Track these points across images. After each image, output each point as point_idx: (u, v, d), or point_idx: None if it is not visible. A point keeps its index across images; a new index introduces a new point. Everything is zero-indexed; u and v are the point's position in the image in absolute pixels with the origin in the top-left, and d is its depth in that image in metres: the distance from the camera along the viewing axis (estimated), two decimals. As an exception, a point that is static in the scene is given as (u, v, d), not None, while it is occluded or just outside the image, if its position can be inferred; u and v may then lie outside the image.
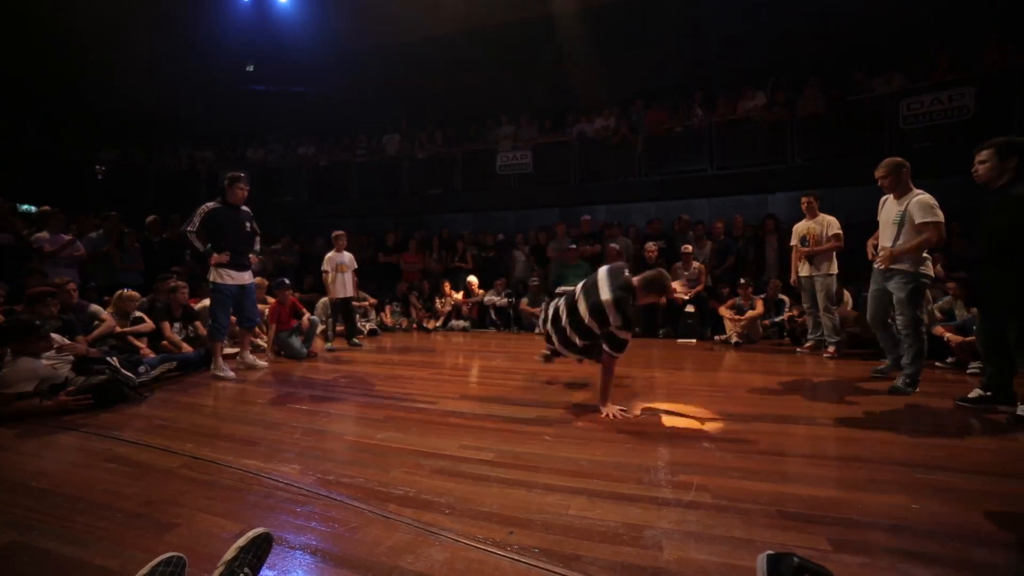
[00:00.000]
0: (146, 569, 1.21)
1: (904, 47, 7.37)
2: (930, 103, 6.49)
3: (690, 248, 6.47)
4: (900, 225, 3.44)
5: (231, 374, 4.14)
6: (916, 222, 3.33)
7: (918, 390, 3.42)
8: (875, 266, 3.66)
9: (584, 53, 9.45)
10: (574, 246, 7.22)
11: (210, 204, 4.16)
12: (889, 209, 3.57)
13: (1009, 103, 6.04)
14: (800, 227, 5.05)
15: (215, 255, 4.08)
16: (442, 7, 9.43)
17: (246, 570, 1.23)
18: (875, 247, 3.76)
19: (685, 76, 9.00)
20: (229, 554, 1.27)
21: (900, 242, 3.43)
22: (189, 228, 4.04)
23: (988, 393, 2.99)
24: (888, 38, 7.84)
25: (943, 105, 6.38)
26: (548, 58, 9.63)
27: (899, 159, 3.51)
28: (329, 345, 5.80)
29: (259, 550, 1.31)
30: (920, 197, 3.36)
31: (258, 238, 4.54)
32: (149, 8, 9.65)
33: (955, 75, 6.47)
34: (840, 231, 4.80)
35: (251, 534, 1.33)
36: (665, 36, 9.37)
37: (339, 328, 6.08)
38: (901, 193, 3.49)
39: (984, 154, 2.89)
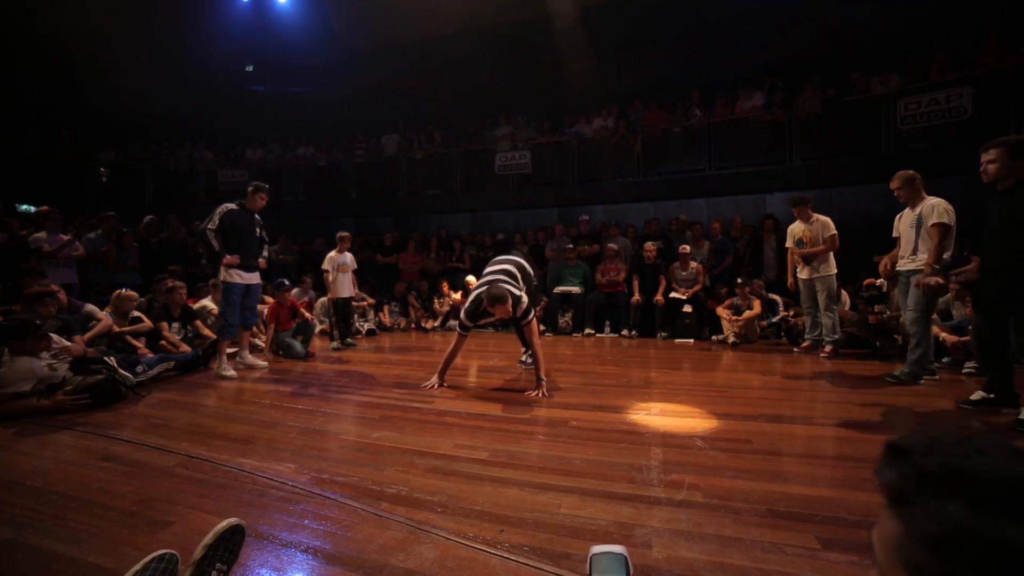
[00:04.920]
0: (139, 566, 1.21)
1: (901, 47, 7.37)
2: (927, 103, 6.49)
3: (688, 248, 6.48)
4: (917, 229, 3.61)
5: (234, 373, 4.17)
6: (928, 223, 3.48)
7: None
8: (899, 268, 3.81)
9: (582, 54, 9.45)
10: (572, 246, 7.22)
11: (229, 205, 4.29)
12: (905, 219, 3.76)
13: (1006, 103, 6.05)
14: (795, 229, 5.06)
15: (227, 256, 4.19)
16: (440, 8, 9.43)
17: (219, 565, 1.22)
18: (887, 265, 3.95)
19: (683, 76, 9.00)
20: (197, 553, 1.24)
21: (920, 246, 3.59)
22: (210, 226, 4.15)
23: (991, 395, 2.98)
24: (886, 38, 7.85)
25: (940, 106, 6.39)
26: (546, 59, 9.64)
27: (911, 172, 3.70)
28: (335, 344, 5.80)
29: (230, 543, 1.28)
30: (932, 200, 3.53)
31: (266, 246, 4.66)
32: (148, 8, 9.65)
33: (952, 75, 6.48)
34: (835, 232, 4.81)
35: (218, 529, 1.30)
36: (663, 37, 9.38)
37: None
38: (915, 202, 3.67)
39: (993, 153, 2.81)
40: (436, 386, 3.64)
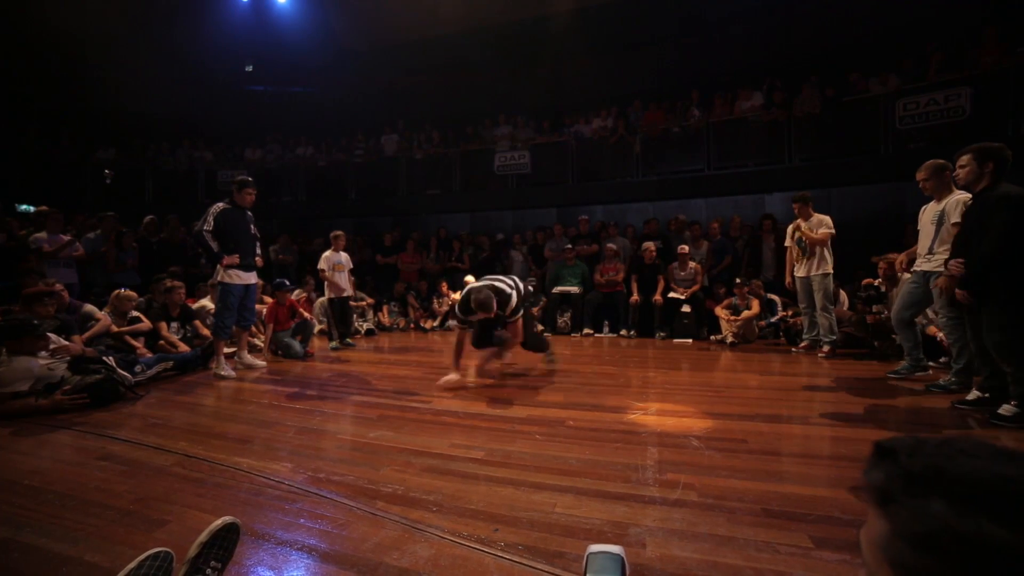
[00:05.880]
0: (134, 564, 1.22)
1: (900, 47, 7.38)
2: (926, 103, 6.50)
3: (686, 248, 6.48)
4: (938, 225, 3.43)
5: (232, 373, 4.18)
6: (951, 222, 3.32)
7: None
8: (915, 268, 3.68)
9: (581, 53, 9.47)
10: (570, 246, 7.23)
11: (220, 205, 4.26)
12: (928, 213, 3.58)
13: (1004, 103, 6.06)
14: (794, 228, 5.07)
15: (226, 257, 4.17)
16: (440, 7, 9.45)
17: (213, 563, 1.22)
18: (903, 263, 3.84)
19: (682, 76, 9.02)
20: (192, 551, 1.25)
21: (936, 245, 3.44)
22: (205, 228, 4.12)
23: (986, 395, 2.97)
24: (884, 38, 7.86)
25: (939, 106, 6.39)
26: (545, 59, 9.66)
27: (942, 161, 3.46)
28: (334, 344, 5.80)
29: (225, 541, 1.29)
30: (959, 196, 3.33)
31: (258, 242, 4.63)
32: (147, 8, 9.67)
33: (951, 75, 6.48)
34: (832, 230, 4.82)
35: (213, 527, 1.30)
36: (662, 37, 9.39)
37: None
38: (942, 195, 3.47)
39: (964, 159, 2.91)
40: (456, 379, 3.66)
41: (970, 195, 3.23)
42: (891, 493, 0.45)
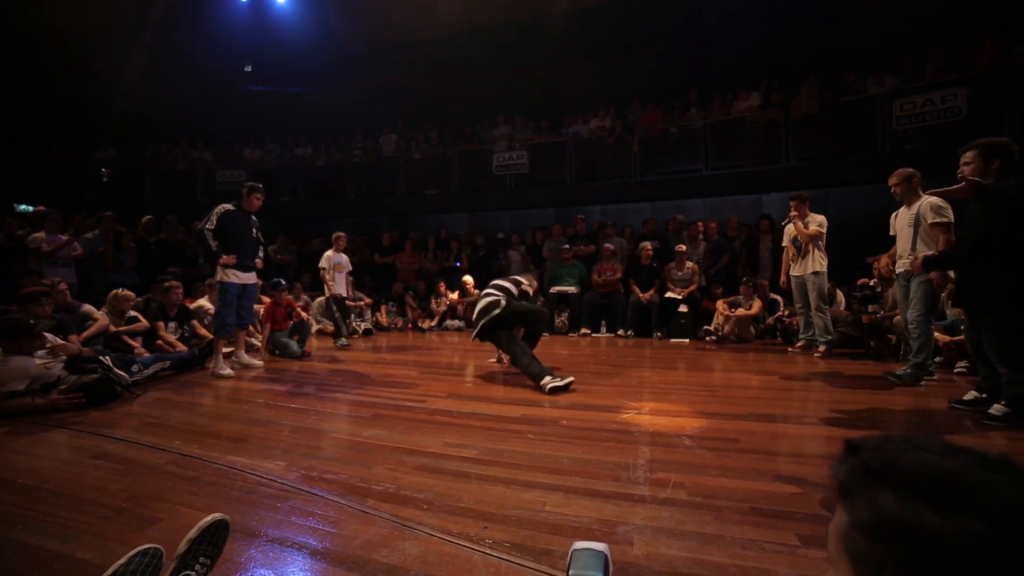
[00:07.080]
0: (123, 560, 1.23)
1: (897, 48, 7.40)
2: (922, 104, 6.52)
3: (684, 248, 6.49)
4: (915, 227, 3.60)
5: (230, 372, 4.20)
6: (928, 222, 3.48)
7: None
8: (897, 271, 3.83)
9: (580, 54, 9.49)
10: (568, 246, 7.24)
11: (226, 206, 4.33)
12: (902, 217, 3.77)
13: (1000, 104, 6.07)
14: (792, 228, 5.08)
15: (223, 256, 4.23)
16: (439, 7, 9.47)
17: (202, 559, 1.24)
18: (888, 265, 3.96)
19: (680, 76, 9.04)
20: (181, 547, 1.26)
21: (918, 245, 3.57)
22: (207, 226, 4.20)
23: (984, 395, 2.97)
24: (881, 39, 7.87)
25: (935, 106, 6.41)
26: (544, 59, 9.68)
27: (910, 169, 3.74)
28: (343, 341, 5.83)
29: (214, 538, 1.30)
30: (930, 200, 3.50)
31: (261, 246, 4.68)
32: (146, 8, 9.69)
33: (947, 76, 6.50)
34: (823, 230, 4.85)
35: (202, 523, 1.31)
36: (660, 37, 9.40)
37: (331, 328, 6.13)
38: (912, 200, 3.68)
39: (969, 155, 2.89)
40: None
41: (936, 199, 3.41)
42: (851, 486, 0.48)
